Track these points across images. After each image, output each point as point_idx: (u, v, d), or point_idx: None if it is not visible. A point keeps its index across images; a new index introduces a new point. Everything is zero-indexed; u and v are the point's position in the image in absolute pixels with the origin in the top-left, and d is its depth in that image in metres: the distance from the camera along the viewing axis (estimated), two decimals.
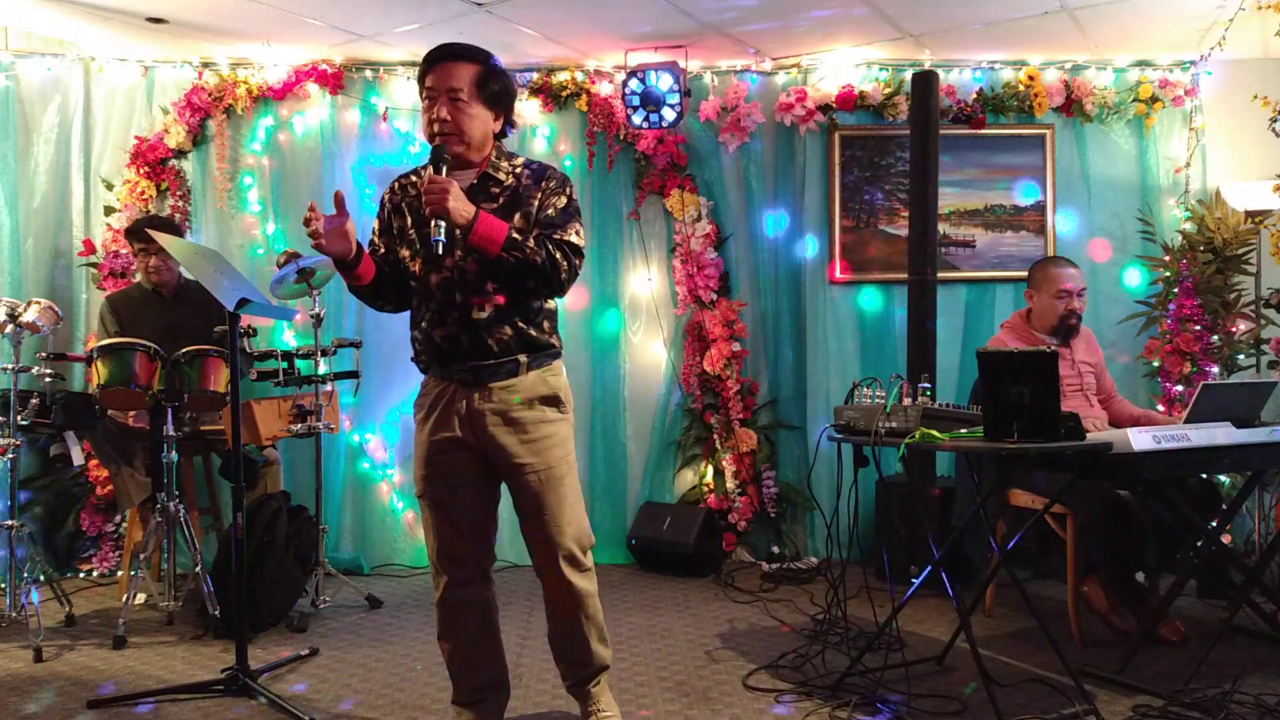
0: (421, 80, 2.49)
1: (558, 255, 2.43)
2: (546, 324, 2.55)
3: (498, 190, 2.51)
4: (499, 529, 2.70)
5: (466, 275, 2.45)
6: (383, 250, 2.62)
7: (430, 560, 2.62)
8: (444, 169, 2.40)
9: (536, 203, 2.49)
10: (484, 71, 2.46)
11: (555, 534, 2.54)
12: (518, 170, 2.54)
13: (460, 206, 2.34)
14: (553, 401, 2.54)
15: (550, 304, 2.58)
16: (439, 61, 2.46)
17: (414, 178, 2.59)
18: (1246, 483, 3.59)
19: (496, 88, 2.48)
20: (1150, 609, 3.46)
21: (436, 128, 2.44)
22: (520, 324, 2.48)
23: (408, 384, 4.87)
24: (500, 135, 2.57)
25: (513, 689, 2.82)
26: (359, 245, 2.49)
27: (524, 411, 2.50)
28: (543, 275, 2.42)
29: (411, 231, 2.53)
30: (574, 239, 2.48)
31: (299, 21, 4.32)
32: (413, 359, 2.63)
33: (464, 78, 2.44)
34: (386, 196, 2.66)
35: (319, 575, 4.04)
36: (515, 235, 2.39)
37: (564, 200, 2.51)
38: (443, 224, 2.34)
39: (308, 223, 2.41)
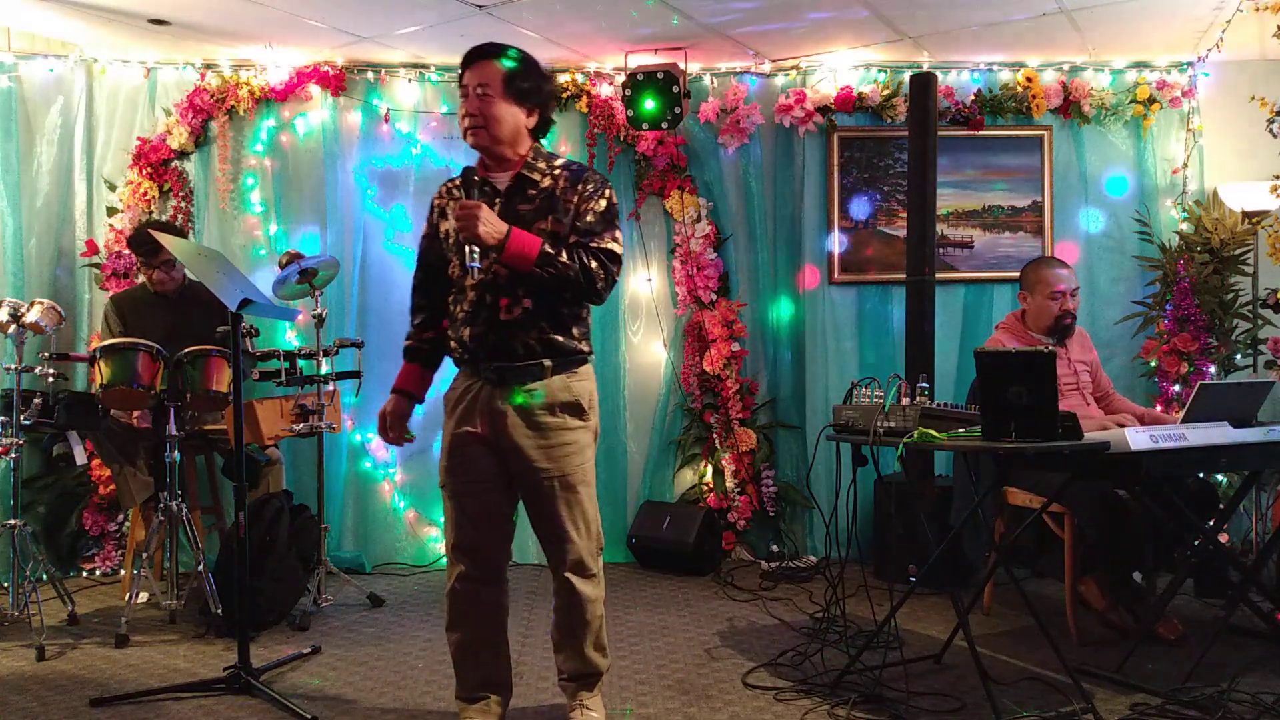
0: (461, 82, 2.56)
1: (593, 265, 2.47)
2: (576, 330, 2.57)
3: (534, 192, 2.54)
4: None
5: (499, 278, 2.48)
6: (431, 257, 2.69)
7: (446, 551, 2.66)
8: (474, 192, 2.46)
9: (573, 207, 2.52)
10: (513, 68, 2.51)
11: (564, 540, 2.57)
12: (555, 171, 2.57)
13: (491, 230, 2.38)
14: (574, 409, 2.56)
15: (583, 311, 2.61)
16: (473, 61, 2.53)
17: (459, 181, 2.62)
18: (1244, 482, 3.61)
19: (525, 84, 2.53)
20: (1148, 608, 3.48)
21: (466, 122, 2.51)
22: (547, 329, 2.51)
23: None
24: (538, 133, 2.60)
25: (514, 687, 2.83)
26: (409, 401, 2.73)
27: (545, 417, 2.53)
28: (578, 287, 2.48)
29: (453, 236, 2.56)
30: (612, 246, 2.52)
31: (301, 23, 4.34)
32: (449, 352, 2.67)
33: (492, 73, 2.50)
34: (436, 200, 2.72)
35: (321, 574, 4.06)
36: (548, 250, 2.43)
37: (603, 204, 2.54)
38: (476, 249, 2.40)
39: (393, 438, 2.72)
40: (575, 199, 2.52)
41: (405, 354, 2.75)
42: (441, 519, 4.84)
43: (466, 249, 2.40)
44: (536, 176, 2.55)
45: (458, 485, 2.59)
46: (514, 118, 2.52)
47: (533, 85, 2.54)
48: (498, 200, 2.53)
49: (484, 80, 2.49)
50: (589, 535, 2.61)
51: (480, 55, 2.52)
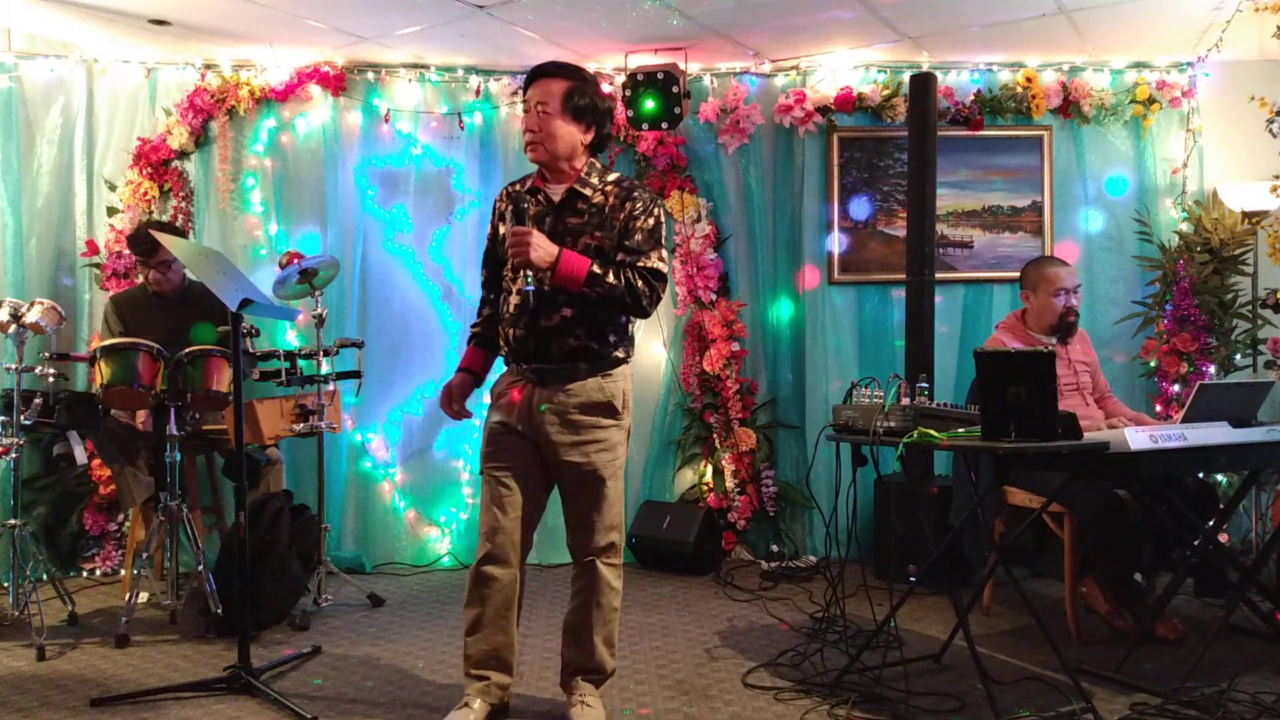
0: (524, 98, 2.71)
1: (639, 284, 2.62)
2: (612, 336, 2.71)
3: (584, 206, 2.68)
4: None
5: (541, 286, 2.62)
6: (494, 257, 2.83)
7: (480, 532, 2.78)
8: (525, 218, 2.61)
9: (619, 223, 2.66)
10: (572, 87, 2.65)
11: (590, 529, 2.73)
12: (607, 188, 2.71)
13: (542, 254, 2.54)
14: (607, 409, 2.70)
15: (622, 318, 2.74)
16: (536, 78, 2.67)
17: (518, 187, 2.79)
18: (1243, 482, 3.61)
19: (583, 102, 2.66)
20: (1147, 608, 3.48)
21: (527, 137, 2.66)
22: (583, 335, 2.65)
23: (409, 384, 4.92)
24: (596, 148, 2.74)
25: (513, 684, 2.85)
26: (473, 379, 2.86)
27: (578, 415, 2.67)
28: (624, 304, 2.63)
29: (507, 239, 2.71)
30: (657, 265, 2.67)
31: (301, 24, 4.34)
32: (499, 352, 2.83)
33: (553, 91, 2.64)
34: (497, 204, 2.85)
35: (321, 574, 4.06)
36: (595, 271, 2.58)
37: (651, 222, 2.69)
38: (530, 274, 2.56)
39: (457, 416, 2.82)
40: (623, 216, 2.67)
41: (470, 339, 2.93)
42: (440, 519, 4.91)
43: (522, 274, 2.59)
44: (588, 192, 2.69)
45: (493, 471, 2.75)
46: (571, 135, 2.66)
47: (590, 103, 2.68)
48: (549, 215, 2.68)
49: (544, 98, 2.63)
50: (613, 528, 2.75)
51: (542, 73, 2.67)
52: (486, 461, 2.75)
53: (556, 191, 2.69)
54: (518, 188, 2.78)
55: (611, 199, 2.68)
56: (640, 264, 2.63)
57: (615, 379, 2.72)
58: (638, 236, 2.65)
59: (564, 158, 2.67)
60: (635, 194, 2.69)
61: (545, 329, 2.64)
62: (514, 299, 2.69)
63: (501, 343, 2.78)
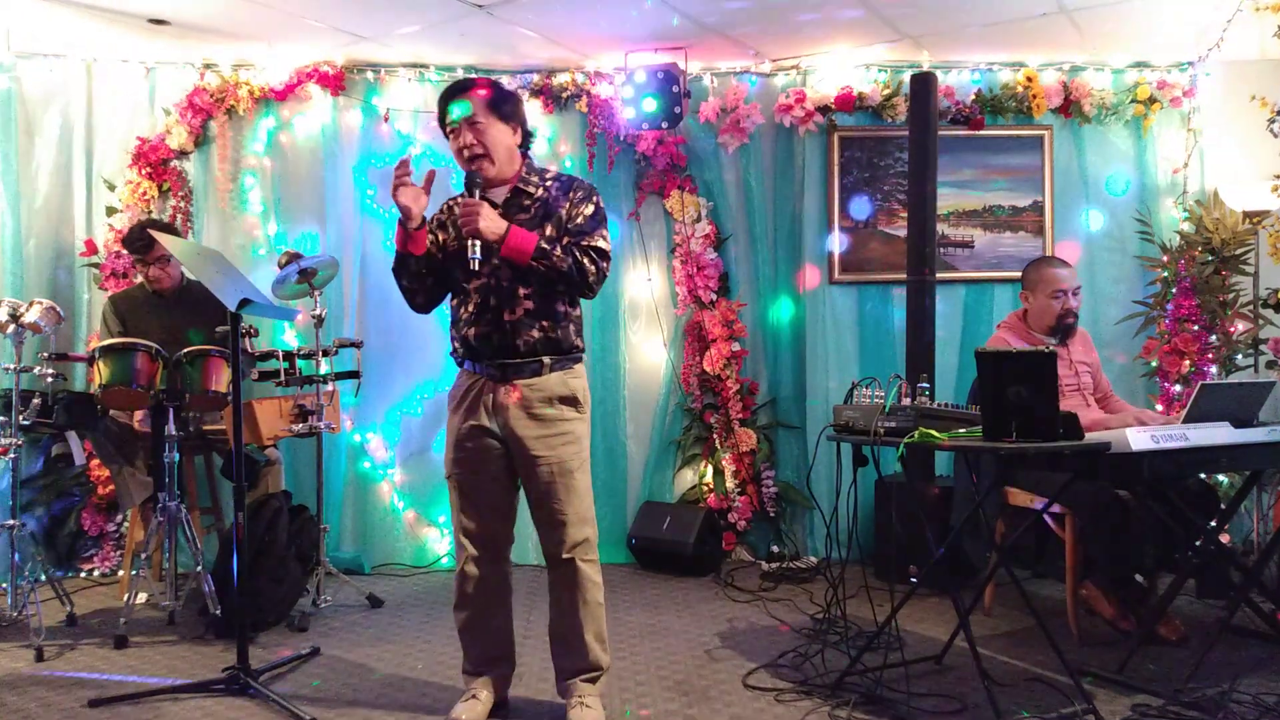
0: (442, 120, 2.77)
1: (585, 261, 2.68)
2: (572, 328, 2.78)
3: (529, 202, 2.75)
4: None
5: (501, 282, 2.69)
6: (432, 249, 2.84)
7: (455, 535, 2.84)
8: (476, 192, 2.67)
9: (564, 212, 2.73)
10: (493, 95, 2.72)
11: (564, 524, 2.75)
12: (548, 183, 2.79)
13: (490, 225, 2.60)
14: (571, 401, 2.76)
15: (576, 311, 2.80)
16: (451, 98, 2.73)
17: (461, 198, 2.83)
18: (1245, 482, 3.60)
19: (507, 107, 2.75)
20: (1149, 608, 3.48)
21: (466, 154, 2.70)
22: (546, 328, 2.71)
23: (408, 384, 4.91)
24: (524, 146, 2.81)
25: (512, 685, 2.88)
26: (423, 218, 2.71)
27: (544, 409, 2.71)
28: (570, 280, 2.67)
29: (455, 244, 2.77)
30: (601, 244, 2.73)
31: (301, 23, 4.33)
32: (451, 354, 2.85)
33: (476, 105, 2.70)
34: (437, 214, 2.88)
35: (320, 574, 4.05)
36: (544, 245, 2.64)
37: (590, 208, 2.76)
38: (478, 243, 2.60)
39: (404, 166, 2.63)
40: (567, 205, 2.75)
41: None
42: (440, 519, 4.90)
43: (469, 243, 2.60)
44: (531, 189, 2.77)
45: (464, 476, 2.79)
46: (506, 138, 2.74)
47: (512, 106, 2.77)
48: (497, 211, 2.72)
49: (471, 114, 2.69)
50: (586, 521, 2.79)
51: (457, 92, 2.74)
52: (456, 466, 2.79)
53: (499, 194, 2.76)
54: (459, 198, 2.83)
55: (554, 192, 2.76)
56: (585, 243, 2.70)
57: (576, 374, 2.78)
58: (579, 220, 2.72)
59: (505, 163, 2.74)
60: (575, 184, 2.78)
61: (509, 323, 2.68)
62: (474, 298, 2.71)
63: (456, 344, 2.79)
